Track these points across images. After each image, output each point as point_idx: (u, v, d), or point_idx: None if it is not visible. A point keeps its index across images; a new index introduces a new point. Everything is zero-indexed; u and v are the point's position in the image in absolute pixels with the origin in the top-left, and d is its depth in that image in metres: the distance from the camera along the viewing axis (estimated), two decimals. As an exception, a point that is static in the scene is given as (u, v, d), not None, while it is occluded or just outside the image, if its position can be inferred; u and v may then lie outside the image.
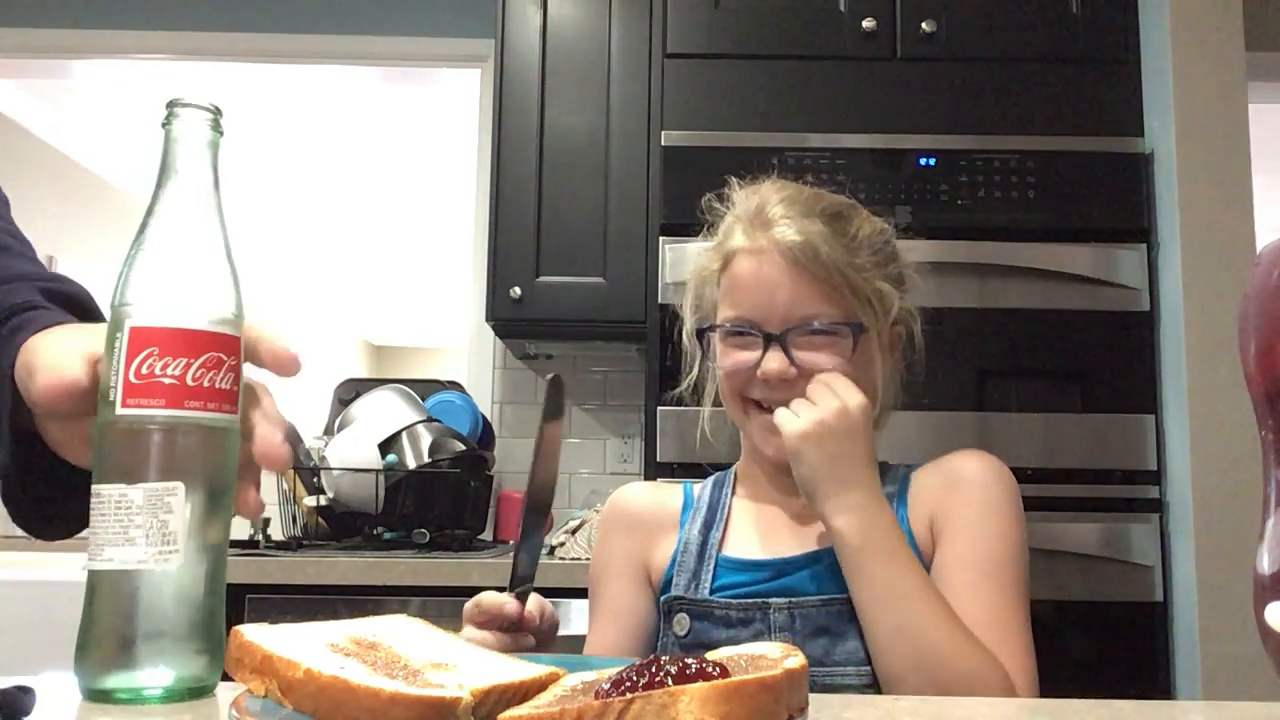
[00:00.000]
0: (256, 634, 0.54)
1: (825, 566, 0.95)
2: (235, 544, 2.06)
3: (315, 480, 2.14)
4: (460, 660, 0.57)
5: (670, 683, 0.48)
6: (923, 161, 2.00)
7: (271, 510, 2.29)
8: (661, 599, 1.01)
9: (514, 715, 0.49)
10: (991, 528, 0.95)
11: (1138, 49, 2.04)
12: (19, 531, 2.44)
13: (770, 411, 0.97)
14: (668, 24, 2.11)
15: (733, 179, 1.07)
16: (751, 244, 0.98)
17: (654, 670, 0.50)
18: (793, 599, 0.95)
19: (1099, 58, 2.05)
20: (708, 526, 1.04)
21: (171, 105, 0.56)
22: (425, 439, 2.11)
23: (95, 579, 0.51)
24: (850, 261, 0.97)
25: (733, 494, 1.08)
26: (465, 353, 2.62)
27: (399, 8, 2.67)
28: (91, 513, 0.51)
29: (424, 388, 2.33)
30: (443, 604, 1.78)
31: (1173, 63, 1.95)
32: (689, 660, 0.51)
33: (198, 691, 0.53)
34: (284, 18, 2.67)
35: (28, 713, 0.56)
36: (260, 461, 0.57)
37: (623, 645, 1.02)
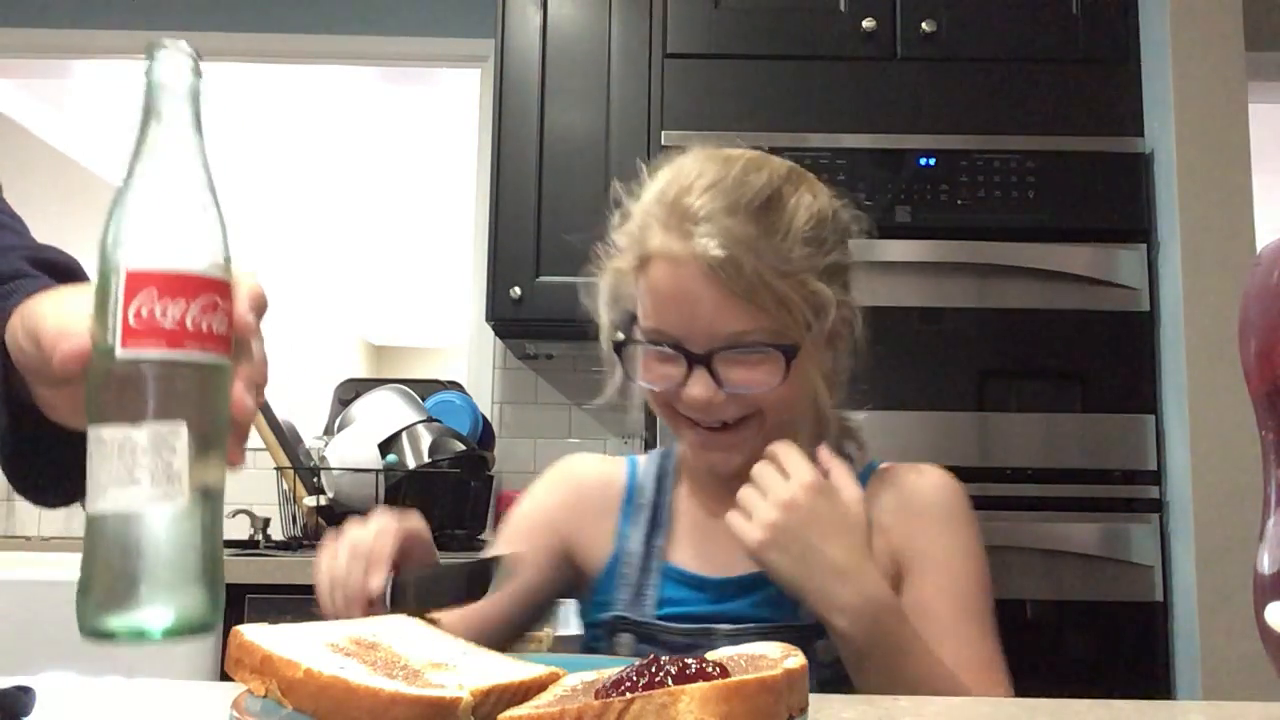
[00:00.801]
0: (256, 634, 0.54)
1: (766, 592, 0.90)
2: (235, 544, 2.06)
3: (315, 480, 2.14)
4: (460, 660, 0.58)
5: (670, 683, 0.49)
6: (923, 161, 2.00)
7: (271, 510, 2.29)
8: (603, 616, 0.95)
9: (514, 715, 0.49)
10: (963, 558, 0.92)
11: (1138, 49, 2.05)
12: (19, 531, 2.42)
13: (699, 426, 0.91)
14: (668, 24, 2.11)
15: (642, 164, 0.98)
16: (668, 250, 0.88)
17: (654, 670, 0.50)
18: (738, 625, 0.90)
19: (1099, 58, 2.05)
20: (651, 532, 0.98)
21: (152, 48, 0.56)
22: (425, 439, 2.11)
23: (97, 522, 0.51)
24: (780, 268, 0.87)
25: (675, 487, 1.01)
26: (465, 353, 2.62)
27: (399, 8, 2.67)
28: (90, 458, 0.51)
29: (424, 388, 2.33)
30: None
31: (1173, 63, 1.95)
32: (689, 660, 0.51)
33: (199, 629, 0.53)
34: (284, 18, 2.67)
35: (28, 713, 0.56)
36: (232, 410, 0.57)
37: (513, 595, 0.93)
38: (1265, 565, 0.47)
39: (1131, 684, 1.82)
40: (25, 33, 2.67)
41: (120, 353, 0.52)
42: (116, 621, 0.51)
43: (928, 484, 0.96)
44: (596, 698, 0.49)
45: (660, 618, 0.92)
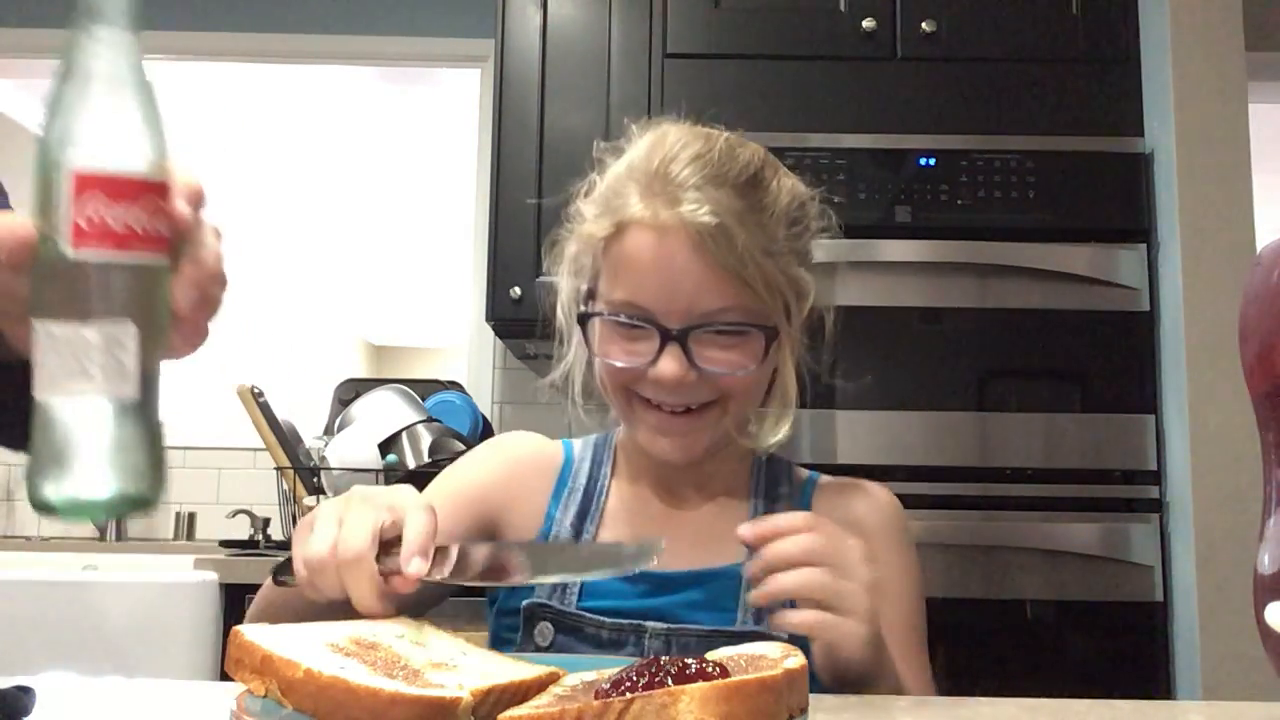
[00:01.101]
0: (256, 634, 0.54)
1: (712, 591, 0.85)
2: (235, 544, 2.07)
3: (315, 480, 2.14)
4: (460, 660, 0.58)
5: (670, 683, 0.49)
6: (923, 161, 2.00)
7: (271, 510, 2.29)
8: (523, 604, 0.87)
9: (514, 715, 0.49)
10: (910, 581, 0.91)
11: (1138, 49, 2.04)
12: (19, 531, 2.43)
13: (659, 409, 0.84)
14: (668, 24, 2.11)
15: (631, 122, 0.93)
16: (651, 216, 0.82)
17: (654, 670, 0.50)
18: (672, 624, 0.84)
19: (1099, 58, 2.05)
20: (581, 516, 0.92)
21: None
22: (425, 439, 2.11)
23: (46, 407, 0.52)
24: (766, 246, 0.83)
25: (611, 475, 0.96)
26: (465, 353, 2.62)
27: (399, 8, 2.67)
28: (38, 348, 0.53)
29: (424, 388, 2.33)
30: (442, 604, 1.78)
31: (1173, 63, 1.95)
32: (689, 660, 0.51)
33: (139, 504, 0.55)
34: (284, 18, 2.67)
35: (28, 713, 0.56)
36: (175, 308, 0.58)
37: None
38: (1265, 565, 0.47)
39: (1131, 684, 1.82)
40: (25, 33, 2.67)
41: (70, 254, 0.53)
42: (61, 495, 0.53)
43: (875, 505, 0.94)
44: (596, 698, 0.49)
45: (584, 608, 0.86)
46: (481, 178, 2.56)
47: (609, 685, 0.50)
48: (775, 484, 0.95)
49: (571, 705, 0.49)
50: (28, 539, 2.40)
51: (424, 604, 0.85)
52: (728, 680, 0.48)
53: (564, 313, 0.94)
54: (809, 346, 0.93)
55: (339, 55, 2.68)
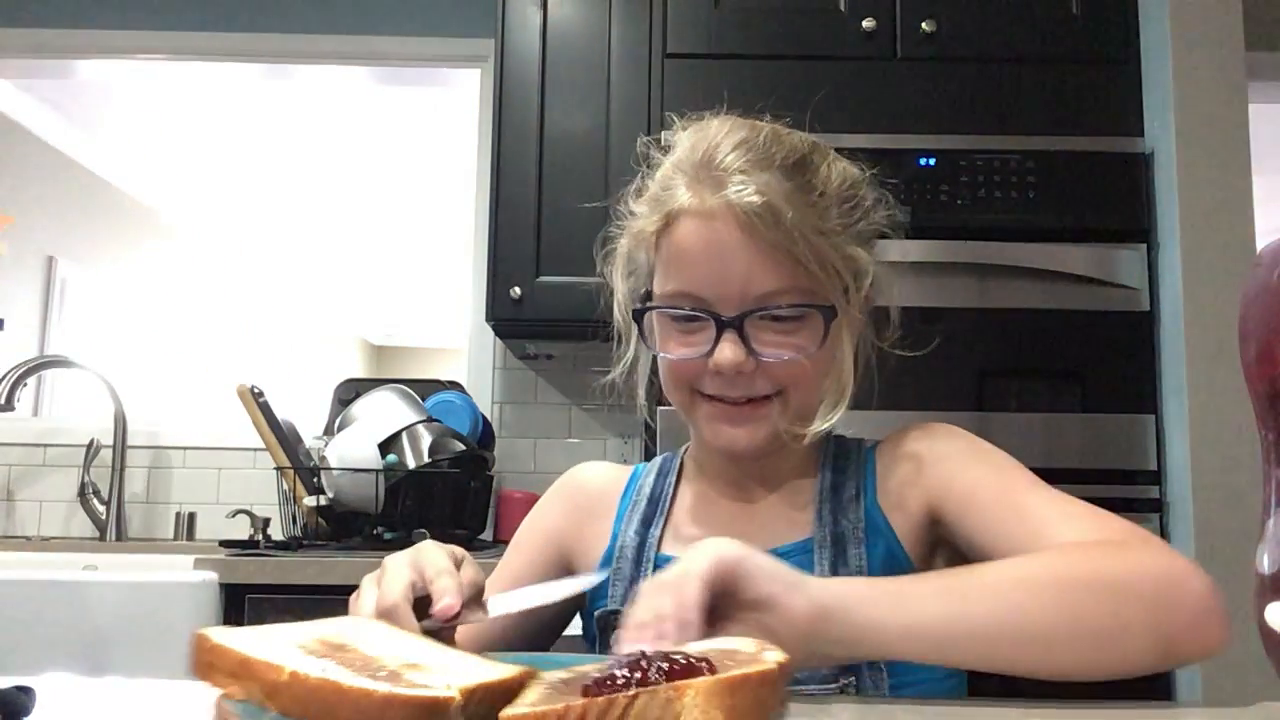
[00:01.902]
0: (227, 637, 0.53)
1: None
2: (235, 544, 2.06)
3: (315, 480, 2.14)
4: (430, 659, 0.57)
5: (662, 678, 0.49)
6: (923, 161, 2.00)
7: (271, 510, 2.29)
8: (596, 614, 0.90)
9: (516, 714, 0.49)
10: (992, 463, 0.86)
11: (1138, 49, 2.04)
12: (19, 531, 2.43)
13: (720, 401, 0.84)
14: (668, 24, 2.11)
15: (675, 117, 0.91)
16: (699, 204, 0.82)
17: (645, 666, 0.50)
18: None
19: (1099, 58, 2.05)
20: (646, 523, 0.93)
21: None
22: (425, 439, 2.11)
23: None
24: (817, 225, 0.81)
25: (677, 483, 0.97)
26: (465, 353, 2.62)
27: (399, 8, 2.67)
28: None
29: (424, 388, 2.33)
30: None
31: (1173, 63, 1.95)
32: (675, 655, 0.51)
33: None
34: (284, 18, 2.67)
35: (28, 713, 0.56)
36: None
37: (505, 620, 0.90)
38: (1265, 565, 0.47)
39: (1132, 685, 1.81)
40: (25, 33, 2.67)
41: None
42: None
43: (925, 435, 0.90)
44: (584, 694, 0.49)
45: None
46: (481, 178, 2.56)
47: (597, 682, 0.50)
48: (844, 456, 0.93)
49: (576, 703, 0.48)
50: (28, 539, 2.40)
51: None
52: (731, 674, 0.49)
53: (620, 313, 0.93)
54: (878, 342, 0.91)
55: (339, 55, 2.68)
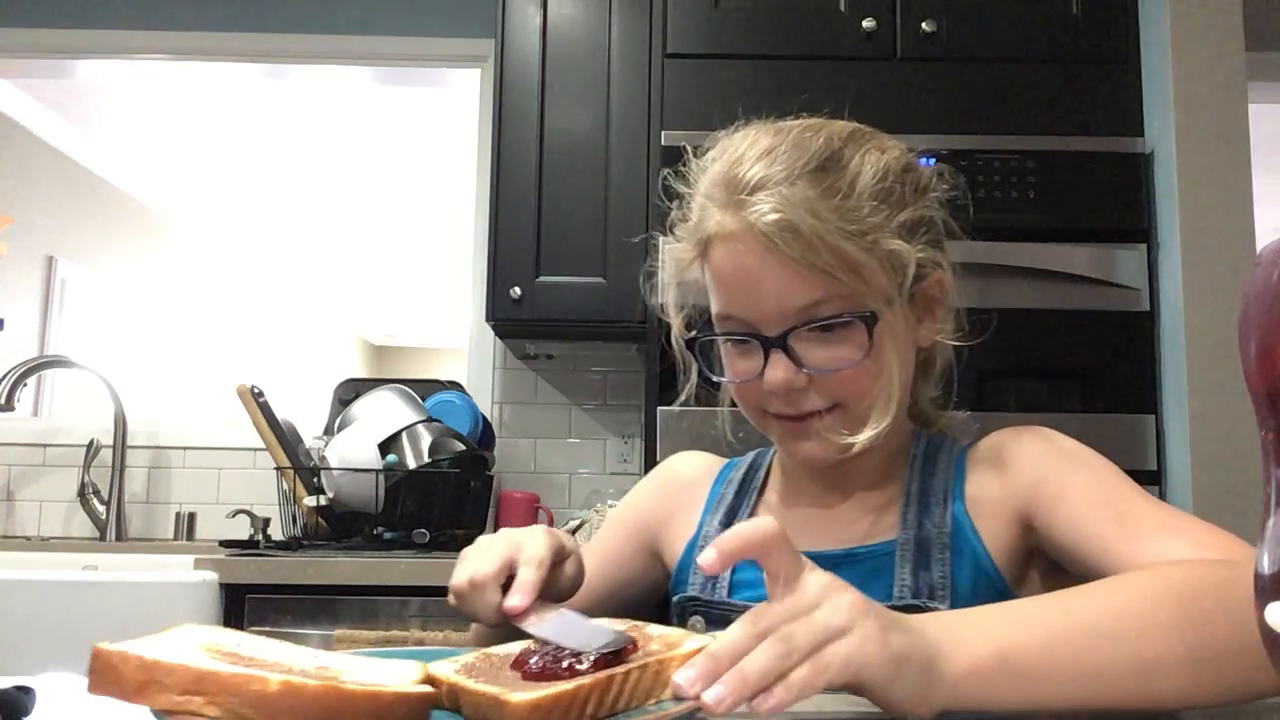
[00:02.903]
0: (155, 650, 0.49)
1: (866, 569, 0.83)
2: (235, 544, 2.06)
3: (315, 480, 2.14)
4: (333, 662, 0.56)
5: (587, 664, 0.56)
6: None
7: (271, 510, 2.29)
8: (675, 599, 0.93)
9: (530, 699, 0.50)
10: (1088, 467, 0.83)
11: (1138, 49, 2.04)
12: (19, 531, 2.43)
13: (784, 418, 0.84)
14: (668, 24, 2.11)
15: (688, 149, 0.91)
16: (724, 226, 0.82)
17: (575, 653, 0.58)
18: None
19: (1099, 58, 2.05)
20: (731, 515, 0.95)
21: None
22: (425, 439, 2.11)
23: None
24: (845, 228, 0.79)
25: (766, 478, 0.98)
26: (465, 353, 2.62)
27: (399, 8, 2.67)
28: None
29: (424, 388, 2.33)
30: (442, 604, 1.77)
31: (1173, 63, 1.95)
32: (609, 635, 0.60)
33: None
34: (284, 18, 2.67)
35: (28, 713, 0.56)
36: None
37: (597, 590, 0.95)
38: (1265, 565, 0.47)
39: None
40: (26, 33, 2.67)
41: None
42: None
43: (1020, 450, 0.87)
44: (522, 674, 0.56)
45: (735, 600, 0.88)
46: (481, 178, 2.56)
47: (519, 666, 0.58)
48: (934, 456, 0.90)
49: (585, 679, 0.52)
50: (28, 539, 2.40)
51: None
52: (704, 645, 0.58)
53: (677, 344, 0.91)
54: (953, 329, 0.88)
55: (339, 55, 2.68)
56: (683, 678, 0.54)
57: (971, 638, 0.62)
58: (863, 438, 0.82)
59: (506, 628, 0.73)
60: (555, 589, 0.79)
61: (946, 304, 0.88)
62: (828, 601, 0.57)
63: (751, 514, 0.95)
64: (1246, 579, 0.59)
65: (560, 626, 0.69)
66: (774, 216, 0.78)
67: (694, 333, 0.89)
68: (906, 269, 0.81)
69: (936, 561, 0.83)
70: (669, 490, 1.03)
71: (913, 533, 0.85)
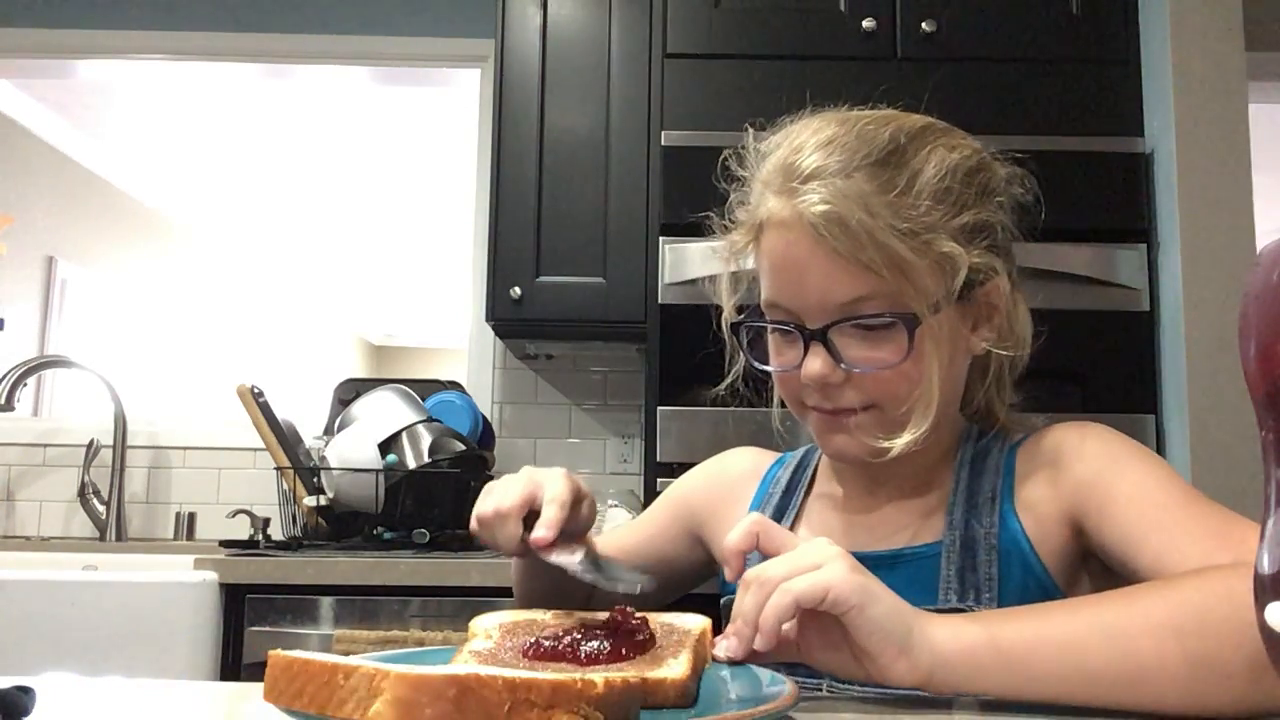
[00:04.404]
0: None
1: (911, 571, 0.82)
2: (235, 544, 2.06)
3: (315, 480, 2.14)
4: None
5: (606, 644, 0.63)
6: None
7: (271, 510, 2.29)
8: (721, 601, 0.94)
9: (620, 678, 0.50)
10: (1142, 468, 0.80)
11: (1138, 49, 2.04)
12: (19, 531, 2.44)
13: (824, 412, 0.83)
14: (668, 24, 2.11)
15: (749, 127, 0.91)
16: (778, 213, 0.81)
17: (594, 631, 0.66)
18: None
19: (1099, 58, 2.05)
20: (779, 513, 0.94)
21: None
22: (425, 439, 2.11)
23: None
24: (896, 226, 0.77)
25: (812, 479, 0.97)
26: (465, 353, 2.62)
27: (399, 8, 2.67)
28: None
29: (424, 388, 2.33)
30: (443, 604, 1.78)
31: (1173, 63, 1.95)
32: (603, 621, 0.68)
33: None
34: (284, 18, 2.67)
35: (28, 713, 0.56)
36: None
37: (638, 561, 1.01)
38: (1265, 565, 0.47)
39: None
40: (25, 33, 2.67)
41: None
42: None
43: (1073, 451, 0.84)
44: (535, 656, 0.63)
45: None
46: (481, 178, 2.56)
47: (538, 649, 0.64)
48: (984, 455, 0.88)
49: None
50: (27, 539, 2.40)
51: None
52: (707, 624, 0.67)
53: (726, 327, 0.90)
54: (1003, 346, 0.86)
55: (339, 55, 2.68)
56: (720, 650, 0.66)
57: (964, 621, 0.66)
58: (899, 443, 0.80)
59: (530, 558, 0.84)
60: (572, 527, 0.83)
61: (1003, 311, 0.86)
62: (805, 546, 0.67)
63: (798, 514, 0.94)
64: None
65: (585, 562, 0.78)
66: (823, 208, 0.77)
67: (742, 317, 0.88)
68: (958, 273, 0.79)
69: (983, 563, 0.81)
70: (719, 482, 1.04)
71: (959, 534, 0.83)
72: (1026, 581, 0.80)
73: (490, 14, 2.29)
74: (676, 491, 1.07)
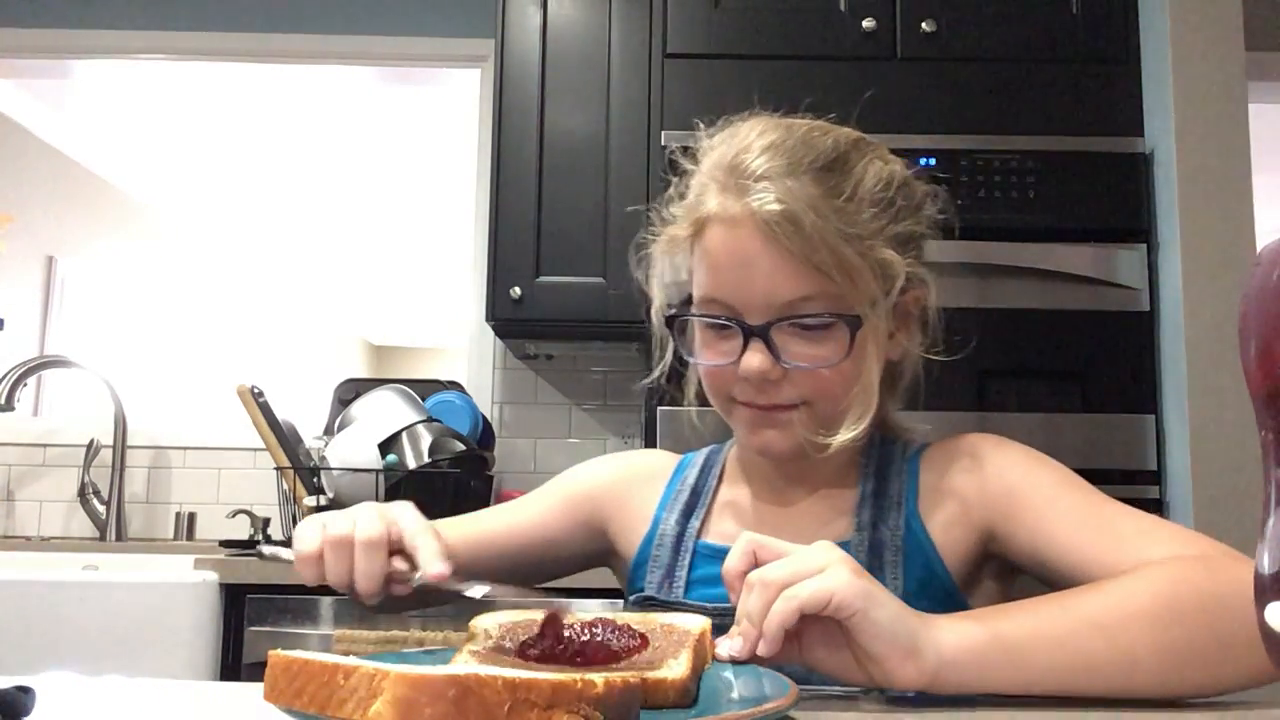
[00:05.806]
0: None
1: None
2: (235, 544, 2.07)
3: (315, 480, 2.14)
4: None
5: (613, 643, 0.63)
6: (923, 161, 2.00)
7: (271, 510, 2.29)
8: (631, 597, 0.94)
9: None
10: (1055, 476, 0.85)
11: (1138, 49, 2.05)
12: (19, 531, 2.44)
13: (751, 406, 0.84)
14: (668, 24, 2.11)
15: (700, 125, 0.92)
16: (724, 210, 0.82)
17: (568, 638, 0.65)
18: None
19: (1099, 58, 2.05)
20: (687, 513, 0.95)
21: None
22: (425, 439, 2.11)
23: None
24: (844, 230, 0.80)
25: (721, 477, 0.98)
26: (465, 353, 2.62)
27: (399, 8, 2.67)
28: None
29: (424, 388, 2.33)
30: (442, 604, 1.78)
31: (1173, 63, 1.95)
32: (600, 623, 0.66)
33: None
34: (284, 18, 2.67)
35: (28, 713, 0.56)
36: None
37: (517, 547, 1.01)
38: (1265, 565, 0.47)
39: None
40: (25, 33, 2.67)
41: None
42: None
43: (987, 448, 0.89)
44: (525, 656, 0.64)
45: (690, 599, 0.89)
46: (481, 178, 2.56)
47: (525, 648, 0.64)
48: (888, 462, 0.91)
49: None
50: (28, 539, 2.40)
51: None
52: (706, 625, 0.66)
53: (657, 318, 0.92)
54: (925, 344, 0.90)
55: (339, 55, 2.68)
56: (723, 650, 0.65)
57: (965, 621, 0.68)
58: (838, 439, 0.83)
59: (384, 594, 0.81)
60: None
61: (921, 320, 0.90)
62: (807, 550, 0.66)
63: (708, 510, 0.95)
64: (1223, 576, 0.68)
65: (491, 591, 0.77)
66: (777, 207, 0.79)
67: (674, 310, 0.89)
68: (895, 279, 0.82)
69: (889, 563, 0.84)
70: (625, 479, 1.03)
71: (867, 534, 0.86)
72: (929, 582, 0.84)
73: (490, 14, 2.29)
74: (576, 482, 1.05)
